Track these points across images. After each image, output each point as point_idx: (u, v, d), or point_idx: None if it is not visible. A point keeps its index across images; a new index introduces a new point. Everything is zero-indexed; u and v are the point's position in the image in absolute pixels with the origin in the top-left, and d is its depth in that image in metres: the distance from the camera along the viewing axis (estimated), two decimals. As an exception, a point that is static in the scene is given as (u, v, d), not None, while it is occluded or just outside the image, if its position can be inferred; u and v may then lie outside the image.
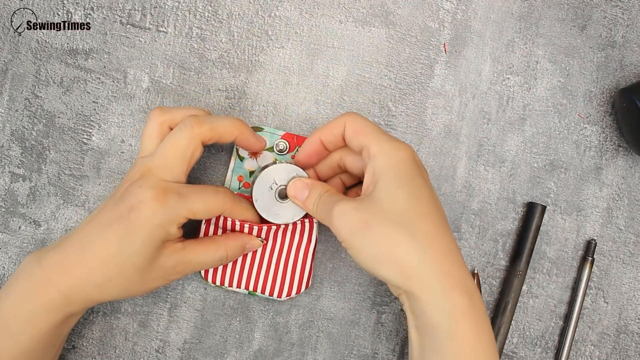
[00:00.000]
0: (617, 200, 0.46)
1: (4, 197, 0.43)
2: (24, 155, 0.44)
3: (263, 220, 0.41)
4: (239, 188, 0.43)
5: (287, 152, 0.43)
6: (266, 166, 0.41)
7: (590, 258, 0.45)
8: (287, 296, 0.42)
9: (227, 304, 0.44)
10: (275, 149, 0.43)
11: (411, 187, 0.34)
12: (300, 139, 0.43)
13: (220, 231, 0.42)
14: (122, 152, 0.44)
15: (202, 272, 0.42)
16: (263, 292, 0.42)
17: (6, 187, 0.44)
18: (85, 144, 0.44)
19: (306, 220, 0.42)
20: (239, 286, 0.42)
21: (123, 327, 0.44)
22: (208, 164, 0.44)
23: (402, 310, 0.45)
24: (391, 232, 0.32)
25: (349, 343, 0.45)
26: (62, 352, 0.43)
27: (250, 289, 0.42)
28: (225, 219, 0.40)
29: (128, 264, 0.35)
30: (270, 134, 0.43)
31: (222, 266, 0.42)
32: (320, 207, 0.37)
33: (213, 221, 0.41)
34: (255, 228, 0.41)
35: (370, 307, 0.45)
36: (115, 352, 0.44)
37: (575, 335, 0.46)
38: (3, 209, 0.43)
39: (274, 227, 0.41)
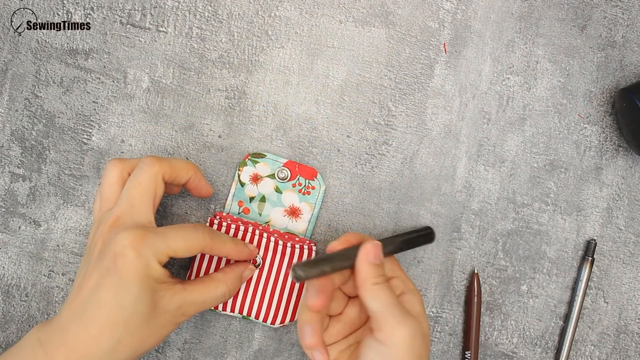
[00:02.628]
0: (617, 200, 0.46)
1: (4, 197, 0.43)
2: (24, 155, 0.44)
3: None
4: (239, 213, 0.43)
5: (289, 180, 0.43)
6: None
7: (590, 258, 0.45)
8: (280, 323, 0.42)
9: (227, 304, 0.44)
10: (276, 176, 0.43)
11: None
12: (302, 167, 0.43)
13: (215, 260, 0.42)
14: (122, 152, 0.44)
15: None
16: (257, 317, 0.42)
17: (6, 187, 0.44)
18: (85, 144, 0.44)
19: (305, 246, 0.42)
20: (232, 310, 0.42)
21: (123, 327, 0.44)
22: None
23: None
24: None
25: (349, 343, 0.45)
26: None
27: (245, 313, 0.42)
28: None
29: (133, 317, 0.33)
30: (272, 161, 0.43)
31: None
32: (380, 292, 0.36)
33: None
34: (253, 230, 0.41)
35: (370, 307, 0.45)
36: (115, 352, 0.44)
37: (575, 335, 0.46)
38: (3, 209, 0.43)
39: (272, 239, 0.42)
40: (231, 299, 0.42)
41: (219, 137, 0.44)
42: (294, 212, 0.44)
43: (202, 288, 0.38)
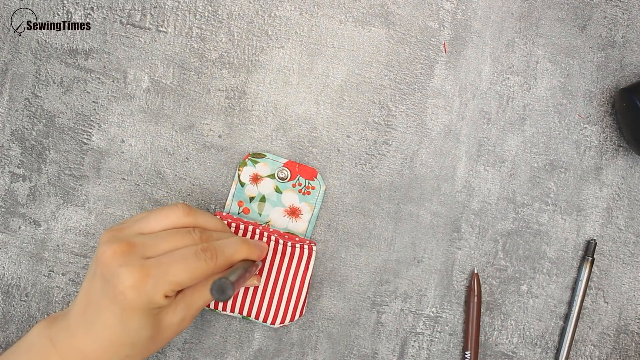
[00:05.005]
0: (617, 200, 0.46)
1: (4, 197, 0.43)
2: (24, 155, 0.44)
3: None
4: (239, 213, 0.43)
5: (288, 180, 0.43)
6: None
7: (590, 258, 0.45)
8: (280, 323, 0.42)
9: (227, 304, 0.44)
10: (276, 176, 0.43)
11: None
12: (302, 167, 0.43)
13: None
14: (122, 152, 0.44)
15: None
16: (257, 317, 0.42)
17: (6, 187, 0.44)
18: (85, 144, 0.44)
19: (305, 246, 0.43)
20: (232, 310, 0.42)
21: (123, 327, 0.44)
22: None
23: (402, 310, 0.45)
24: None
25: (349, 343, 0.45)
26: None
27: (244, 313, 0.42)
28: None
29: (139, 339, 0.35)
30: (272, 161, 0.43)
31: None
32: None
33: None
34: (253, 230, 0.41)
35: (370, 307, 0.45)
36: (115, 352, 0.44)
37: (575, 335, 0.46)
38: (3, 209, 0.43)
39: (273, 238, 0.42)
40: (231, 299, 0.42)
41: (219, 137, 0.44)
42: (294, 212, 0.44)
43: (200, 289, 0.37)
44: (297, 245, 0.42)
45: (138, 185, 0.44)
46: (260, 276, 0.42)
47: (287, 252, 0.42)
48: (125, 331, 0.34)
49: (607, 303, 0.46)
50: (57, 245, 0.44)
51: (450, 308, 0.45)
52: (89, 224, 0.44)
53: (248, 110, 0.44)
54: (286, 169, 0.43)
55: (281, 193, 0.43)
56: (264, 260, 0.42)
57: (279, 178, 0.43)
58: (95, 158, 0.44)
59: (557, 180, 0.46)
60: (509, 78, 0.46)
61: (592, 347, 0.46)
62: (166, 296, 0.35)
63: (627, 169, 0.46)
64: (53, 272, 0.43)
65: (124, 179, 0.44)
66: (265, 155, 0.43)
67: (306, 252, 0.42)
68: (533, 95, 0.46)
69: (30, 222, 0.44)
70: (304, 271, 0.42)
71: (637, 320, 0.46)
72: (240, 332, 0.44)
